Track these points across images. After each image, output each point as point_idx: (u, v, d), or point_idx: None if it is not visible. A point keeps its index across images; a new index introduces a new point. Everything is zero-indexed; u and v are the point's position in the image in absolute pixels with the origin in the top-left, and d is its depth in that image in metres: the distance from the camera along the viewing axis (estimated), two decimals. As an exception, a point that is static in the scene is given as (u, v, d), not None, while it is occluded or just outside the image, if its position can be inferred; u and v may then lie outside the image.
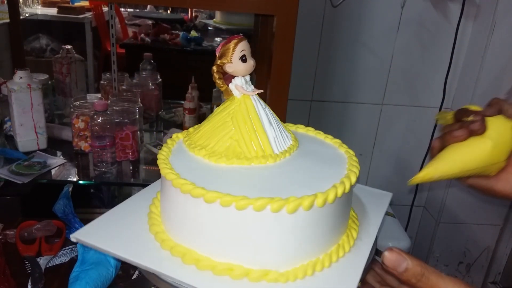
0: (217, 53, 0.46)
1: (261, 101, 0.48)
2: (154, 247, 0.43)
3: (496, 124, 0.50)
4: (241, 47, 0.45)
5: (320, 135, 0.56)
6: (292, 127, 0.57)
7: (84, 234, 0.45)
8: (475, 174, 0.53)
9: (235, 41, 0.45)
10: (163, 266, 0.40)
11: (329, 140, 0.55)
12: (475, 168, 0.51)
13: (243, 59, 0.45)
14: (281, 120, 0.51)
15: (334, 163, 0.49)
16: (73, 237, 0.45)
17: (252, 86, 0.48)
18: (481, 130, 0.49)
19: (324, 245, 0.43)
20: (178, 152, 0.48)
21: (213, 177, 0.43)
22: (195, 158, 0.47)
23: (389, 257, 0.40)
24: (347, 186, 0.42)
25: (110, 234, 0.45)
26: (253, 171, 0.44)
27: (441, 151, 0.52)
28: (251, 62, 0.46)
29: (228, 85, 0.47)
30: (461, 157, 0.50)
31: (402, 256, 0.40)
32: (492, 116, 0.52)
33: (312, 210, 0.40)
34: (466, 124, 0.51)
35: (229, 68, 0.46)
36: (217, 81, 0.47)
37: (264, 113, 0.48)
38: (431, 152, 0.54)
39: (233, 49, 0.45)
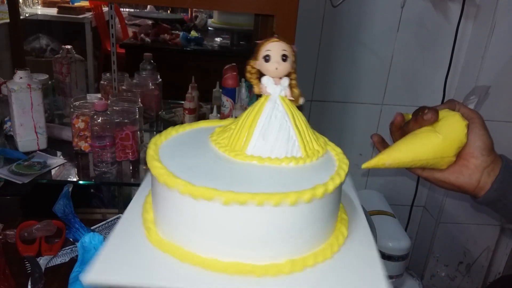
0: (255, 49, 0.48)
1: (282, 107, 0.47)
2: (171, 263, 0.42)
3: (450, 121, 0.55)
4: (268, 47, 0.46)
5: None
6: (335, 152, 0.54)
7: (98, 274, 0.40)
8: (426, 166, 0.57)
9: (266, 40, 0.47)
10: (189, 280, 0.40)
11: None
12: (425, 159, 0.55)
13: (266, 59, 0.46)
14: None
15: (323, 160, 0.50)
16: (87, 281, 0.39)
17: (279, 89, 0.48)
18: (433, 118, 0.55)
19: (326, 234, 0.45)
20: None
21: (192, 163, 0.45)
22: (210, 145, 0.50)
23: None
24: (342, 176, 0.44)
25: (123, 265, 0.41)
26: (224, 161, 0.46)
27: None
28: (274, 65, 0.46)
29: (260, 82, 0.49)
30: (413, 147, 0.55)
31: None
32: (441, 109, 0.57)
33: (313, 203, 0.41)
34: (420, 115, 0.56)
35: (257, 66, 0.48)
36: (247, 75, 0.48)
37: (269, 116, 0.47)
38: (391, 126, 0.60)
39: (261, 48, 0.47)
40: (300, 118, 0.49)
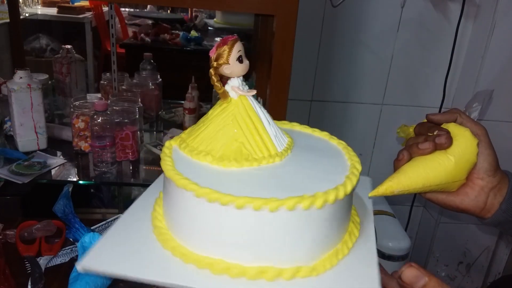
0: (212, 55, 0.46)
1: (256, 101, 0.48)
2: (174, 262, 0.41)
3: (461, 141, 0.50)
4: (238, 48, 0.45)
5: (307, 129, 0.56)
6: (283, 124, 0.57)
7: (93, 261, 0.41)
8: (436, 190, 0.53)
9: (231, 41, 0.45)
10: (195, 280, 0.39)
11: (317, 133, 0.55)
12: (437, 185, 0.51)
13: (240, 59, 0.45)
14: (281, 120, 0.51)
15: (332, 155, 0.50)
16: (81, 267, 0.40)
17: (247, 87, 0.48)
18: (447, 144, 0.50)
19: (340, 235, 0.45)
20: (180, 160, 0.46)
21: (227, 182, 0.42)
22: (201, 165, 0.45)
23: (407, 273, 0.40)
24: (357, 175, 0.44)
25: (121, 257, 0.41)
26: (263, 171, 0.44)
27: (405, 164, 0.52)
28: (247, 62, 0.46)
29: (224, 87, 0.47)
30: (423, 173, 0.50)
31: (421, 273, 0.40)
32: (447, 122, 0.53)
33: (337, 203, 0.41)
34: (432, 137, 0.51)
35: (226, 70, 0.45)
36: (216, 83, 0.46)
37: (261, 112, 0.48)
38: (396, 163, 0.53)
39: (230, 50, 0.45)
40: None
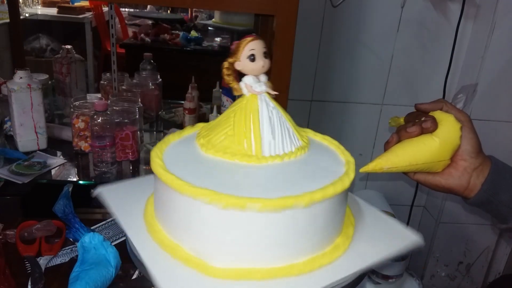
0: (231, 50, 0.47)
1: (271, 103, 0.48)
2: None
3: (445, 125, 0.56)
4: (251, 47, 0.46)
5: (333, 145, 0.54)
6: (309, 133, 0.56)
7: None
8: (423, 170, 0.58)
9: (247, 40, 0.46)
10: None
11: (340, 152, 0.53)
12: (422, 163, 0.56)
13: (251, 58, 0.46)
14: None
15: (327, 173, 0.47)
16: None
17: (264, 86, 0.48)
18: (432, 128, 0.55)
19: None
20: (186, 140, 0.52)
21: (200, 170, 0.45)
22: (195, 146, 0.49)
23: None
24: (345, 184, 0.44)
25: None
26: (234, 167, 0.45)
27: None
28: (260, 63, 0.47)
29: (238, 83, 0.48)
30: (410, 152, 0.55)
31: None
32: (434, 110, 0.58)
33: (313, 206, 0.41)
34: (419, 122, 0.56)
35: (238, 66, 0.47)
36: (225, 77, 0.48)
37: (268, 114, 0.47)
38: (386, 145, 0.59)
39: (243, 48, 0.46)
40: (284, 110, 0.50)
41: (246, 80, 0.48)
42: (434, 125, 0.55)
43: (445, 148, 0.56)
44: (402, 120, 0.62)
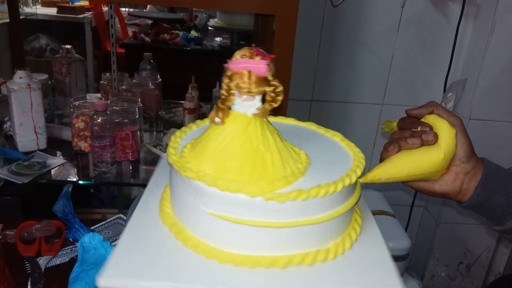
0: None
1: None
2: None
3: (444, 136, 0.55)
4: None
5: (336, 137, 0.59)
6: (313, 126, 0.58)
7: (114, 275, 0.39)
8: (420, 179, 0.57)
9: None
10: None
11: (344, 144, 0.57)
12: (421, 174, 0.55)
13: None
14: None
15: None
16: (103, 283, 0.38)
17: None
18: (434, 141, 0.54)
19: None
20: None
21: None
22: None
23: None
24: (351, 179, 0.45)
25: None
26: None
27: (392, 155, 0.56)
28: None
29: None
30: (410, 164, 0.54)
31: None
32: (425, 115, 0.58)
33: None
34: (418, 133, 0.55)
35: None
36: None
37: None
38: (384, 154, 0.57)
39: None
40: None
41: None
42: (435, 139, 0.54)
43: (447, 159, 0.55)
44: (395, 125, 0.61)
